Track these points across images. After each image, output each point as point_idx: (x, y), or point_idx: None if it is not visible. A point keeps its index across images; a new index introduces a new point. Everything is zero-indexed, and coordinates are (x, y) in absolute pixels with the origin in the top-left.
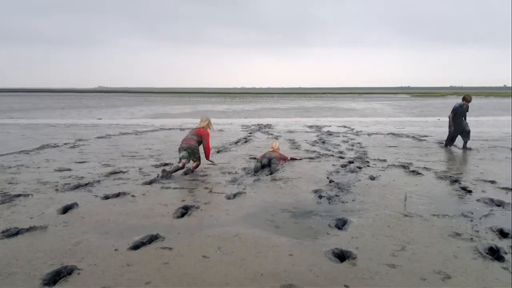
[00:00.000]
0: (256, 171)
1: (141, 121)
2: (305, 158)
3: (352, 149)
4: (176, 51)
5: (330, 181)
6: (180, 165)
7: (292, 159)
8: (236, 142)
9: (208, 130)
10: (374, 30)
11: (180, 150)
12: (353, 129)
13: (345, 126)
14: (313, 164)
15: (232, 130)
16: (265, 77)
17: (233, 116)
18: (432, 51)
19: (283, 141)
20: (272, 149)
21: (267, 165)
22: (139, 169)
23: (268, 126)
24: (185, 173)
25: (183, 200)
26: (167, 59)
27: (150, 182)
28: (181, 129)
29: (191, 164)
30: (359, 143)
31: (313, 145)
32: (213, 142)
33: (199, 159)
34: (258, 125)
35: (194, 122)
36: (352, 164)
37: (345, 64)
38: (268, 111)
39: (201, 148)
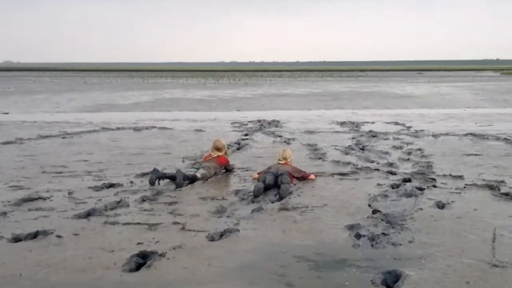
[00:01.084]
0: (256, 195)
1: (72, 117)
2: (333, 174)
3: (408, 159)
4: (130, 8)
5: (374, 211)
6: (199, 175)
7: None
8: None
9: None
10: None
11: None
12: (409, 127)
13: (397, 123)
14: (347, 183)
15: (217, 131)
16: (269, 47)
17: (218, 108)
18: None
19: (298, 147)
20: (281, 161)
21: (273, 185)
22: (69, 193)
23: (275, 123)
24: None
25: (139, 243)
26: (116, 20)
27: (87, 215)
28: (136, 129)
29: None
30: (419, 149)
31: (347, 154)
32: (187, 150)
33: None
34: (259, 121)
35: (156, 118)
36: (408, 184)
37: (393, 24)
38: (274, 99)
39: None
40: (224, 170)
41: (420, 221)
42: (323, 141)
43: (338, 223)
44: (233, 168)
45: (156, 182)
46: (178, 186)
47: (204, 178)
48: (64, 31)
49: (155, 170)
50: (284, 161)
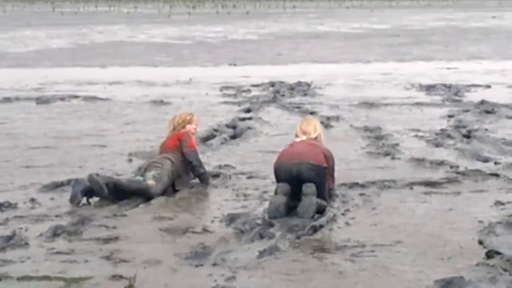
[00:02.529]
0: (273, 215)
1: None
2: (413, 183)
3: None
4: None
5: (490, 253)
6: (152, 184)
7: None
8: (206, 140)
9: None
10: None
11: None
12: None
13: None
14: (439, 201)
15: (193, 103)
16: None
17: (195, 60)
18: None
19: (347, 132)
20: (300, 137)
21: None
22: None
23: (302, 88)
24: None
25: None
26: None
27: None
28: (41, 101)
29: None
30: None
31: (438, 145)
32: (138, 140)
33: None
34: (272, 85)
35: (78, 81)
36: None
37: None
38: (300, 42)
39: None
40: (188, 161)
41: None
42: (394, 122)
43: (423, 277)
44: (198, 164)
45: (83, 198)
46: (100, 195)
47: (163, 188)
48: None
49: (91, 177)
50: (309, 138)
